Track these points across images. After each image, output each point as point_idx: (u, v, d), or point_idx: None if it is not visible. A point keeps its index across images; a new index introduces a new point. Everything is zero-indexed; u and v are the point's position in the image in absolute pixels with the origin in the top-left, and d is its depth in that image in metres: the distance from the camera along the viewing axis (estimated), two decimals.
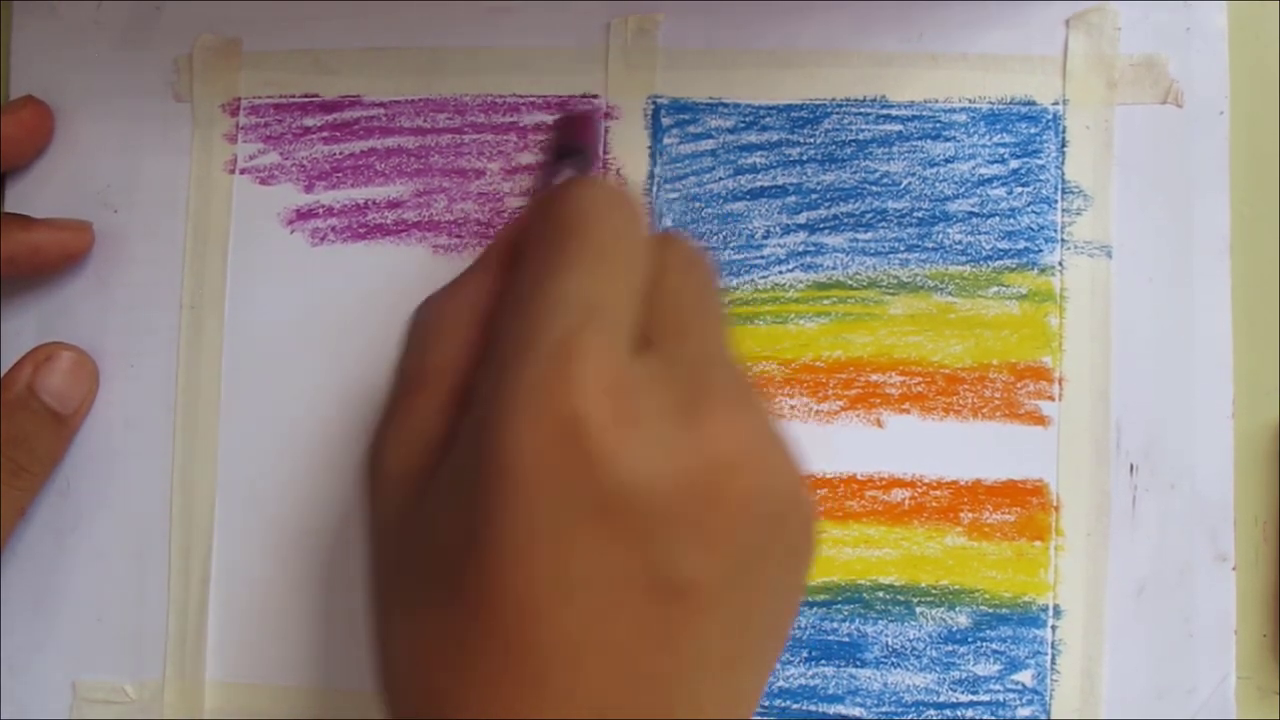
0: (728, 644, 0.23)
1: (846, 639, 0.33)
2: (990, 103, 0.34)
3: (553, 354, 0.22)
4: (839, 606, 0.33)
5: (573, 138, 0.32)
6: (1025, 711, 0.32)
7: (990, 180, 0.34)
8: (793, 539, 0.24)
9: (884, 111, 0.34)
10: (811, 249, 0.34)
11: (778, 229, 0.34)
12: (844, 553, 0.33)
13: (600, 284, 0.23)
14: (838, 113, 0.34)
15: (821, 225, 0.34)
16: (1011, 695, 0.33)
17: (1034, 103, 0.34)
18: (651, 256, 0.25)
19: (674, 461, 0.21)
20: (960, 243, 0.34)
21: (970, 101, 0.34)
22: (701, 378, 0.23)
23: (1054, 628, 0.33)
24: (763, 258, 0.34)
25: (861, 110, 0.34)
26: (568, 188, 0.26)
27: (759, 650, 0.24)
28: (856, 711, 0.33)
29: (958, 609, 0.33)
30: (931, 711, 0.33)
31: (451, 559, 0.22)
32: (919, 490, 0.33)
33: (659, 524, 0.21)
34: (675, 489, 0.21)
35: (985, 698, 0.33)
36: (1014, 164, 0.34)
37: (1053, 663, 0.33)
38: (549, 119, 0.35)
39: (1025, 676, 0.33)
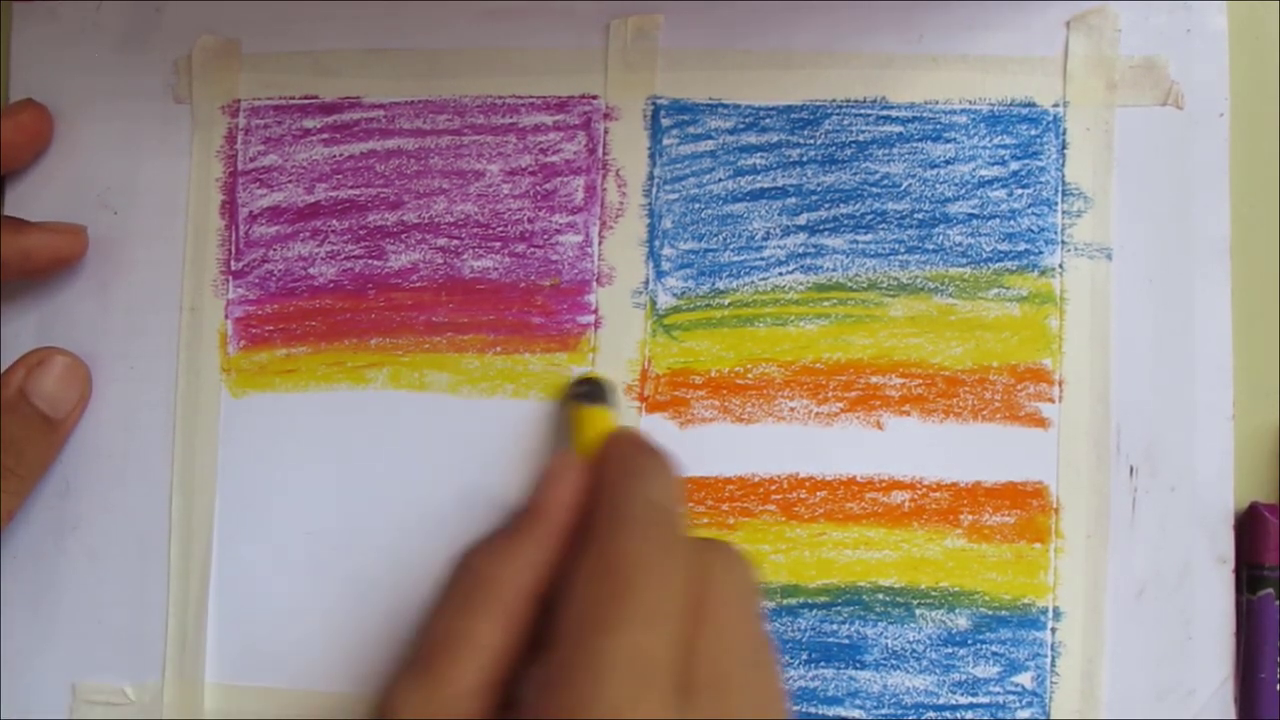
0: None
1: (846, 641, 0.33)
2: (990, 104, 0.34)
3: None
4: (838, 608, 0.33)
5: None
6: (1025, 713, 0.32)
7: (990, 182, 0.34)
8: None
9: (884, 113, 0.34)
10: (812, 250, 0.34)
11: (778, 230, 0.34)
12: (844, 555, 0.33)
13: (651, 639, 0.24)
14: (838, 114, 0.34)
15: (821, 227, 0.34)
16: (1011, 697, 0.33)
17: (1034, 104, 0.34)
18: (692, 577, 0.26)
19: None
20: (960, 244, 0.34)
21: (970, 103, 0.34)
22: None
23: (1054, 630, 0.33)
24: (763, 259, 0.34)
25: (861, 111, 0.34)
26: (620, 528, 0.27)
27: None
28: (856, 714, 0.33)
29: (957, 611, 0.33)
30: (931, 713, 0.33)
31: None
32: (919, 492, 0.33)
33: None
34: None
35: (985, 700, 0.33)
36: (1014, 166, 0.34)
37: (1052, 665, 0.33)
38: (549, 120, 0.35)
39: (1025, 678, 0.33)
